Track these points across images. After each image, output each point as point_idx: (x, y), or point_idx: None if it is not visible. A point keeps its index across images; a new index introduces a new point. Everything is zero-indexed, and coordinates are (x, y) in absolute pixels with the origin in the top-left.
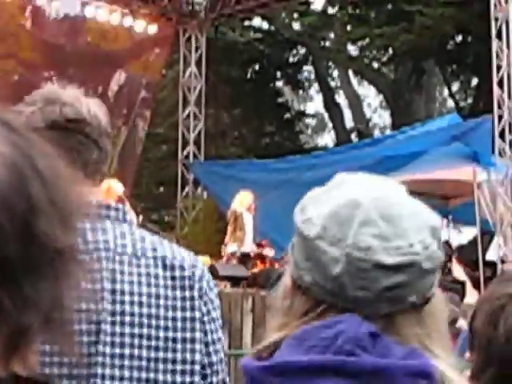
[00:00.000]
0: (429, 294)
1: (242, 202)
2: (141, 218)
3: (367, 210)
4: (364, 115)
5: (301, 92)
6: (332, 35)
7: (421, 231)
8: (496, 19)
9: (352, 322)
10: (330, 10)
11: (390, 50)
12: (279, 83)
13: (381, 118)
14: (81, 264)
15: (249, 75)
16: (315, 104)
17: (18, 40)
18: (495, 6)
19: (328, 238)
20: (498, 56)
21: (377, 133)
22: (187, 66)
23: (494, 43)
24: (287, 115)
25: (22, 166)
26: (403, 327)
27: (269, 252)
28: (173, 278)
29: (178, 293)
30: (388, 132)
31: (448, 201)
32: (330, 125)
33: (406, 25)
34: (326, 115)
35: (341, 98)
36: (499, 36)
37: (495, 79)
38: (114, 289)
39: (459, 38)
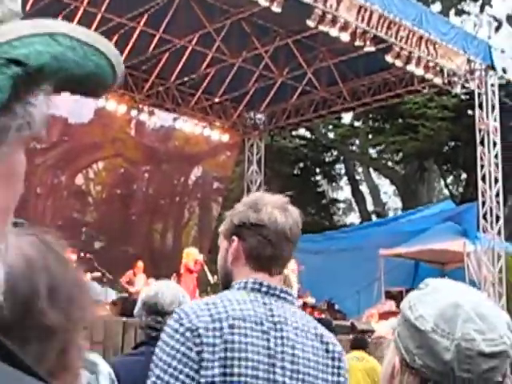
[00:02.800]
0: (506, 373)
1: (289, 266)
2: (215, 277)
3: (467, 309)
4: (381, 200)
5: (334, 184)
6: (357, 142)
7: (503, 326)
8: (480, 130)
9: None
10: (356, 123)
11: (401, 153)
12: (318, 177)
13: (394, 202)
14: (71, 340)
15: (295, 171)
16: (345, 192)
17: (124, 143)
18: (479, 120)
19: (439, 332)
20: (481, 158)
21: (391, 213)
22: (250, 164)
23: (479, 148)
24: (324, 201)
25: (36, 263)
26: None
27: (310, 300)
28: (327, 351)
29: (330, 362)
30: (399, 213)
31: (445, 265)
32: (356, 208)
33: (413, 134)
34: (352, 201)
35: (364, 188)
36: (482, 143)
37: (479, 175)
38: (293, 353)
39: (452, 144)
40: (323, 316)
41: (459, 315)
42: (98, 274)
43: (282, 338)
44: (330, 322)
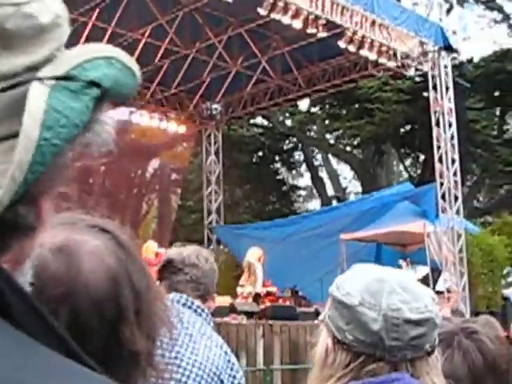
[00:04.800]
0: (435, 344)
1: (254, 254)
2: None
3: (391, 283)
4: (341, 185)
5: (293, 171)
6: (315, 128)
7: (427, 297)
8: (435, 112)
9: (407, 380)
10: (313, 109)
11: (358, 138)
12: (277, 165)
13: (354, 186)
14: (154, 367)
15: (254, 160)
16: (305, 179)
17: None
18: (434, 101)
19: (366, 305)
20: (437, 139)
21: (351, 198)
22: (208, 155)
23: (435, 129)
24: (284, 188)
25: (120, 279)
26: (421, 369)
27: (272, 288)
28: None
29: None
30: (360, 196)
31: (406, 247)
32: (317, 194)
33: (369, 118)
34: (313, 187)
35: (323, 174)
36: (438, 124)
37: (436, 156)
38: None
39: (409, 127)
40: (287, 303)
41: (384, 288)
42: None
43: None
44: (294, 309)
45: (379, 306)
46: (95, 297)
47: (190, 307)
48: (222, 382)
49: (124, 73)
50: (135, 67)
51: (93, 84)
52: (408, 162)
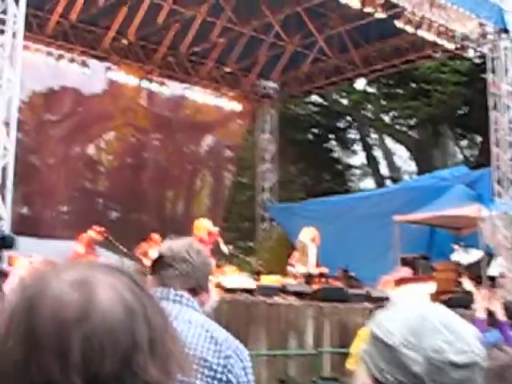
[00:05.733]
0: None
1: (308, 234)
2: (231, 246)
3: (433, 321)
4: (396, 165)
5: (348, 150)
6: (371, 107)
7: (471, 336)
8: (493, 95)
9: None
10: (369, 89)
11: (414, 119)
12: (332, 143)
13: (409, 166)
14: None
15: (309, 138)
16: (359, 158)
17: (135, 113)
18: (491, 84)
19: (408, 345)
20: (495, 122)
21: (406, 178)
22: (263, 133)
23: (492, 113)
24: (338, 167)
25: (136, 311)
26: None
27: (325, 270)
28: (211, 337)
29: (213, 346)
30: (414, 177)
31: (460, 231)
32: (371, 173)
33: (426, 99)
34: (367, 166)
35: (378, 153)
36: (495, 107)
37: (493, 140)
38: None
39: (466, 109)
40: (339, 284)
41: (426, 327)
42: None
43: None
44: (346, 291)
45: (421, 347)
46: (111, 324)
47: (174, 300)
48: (206, 360)
49: None
50: None
51: None
52: (464, 143)
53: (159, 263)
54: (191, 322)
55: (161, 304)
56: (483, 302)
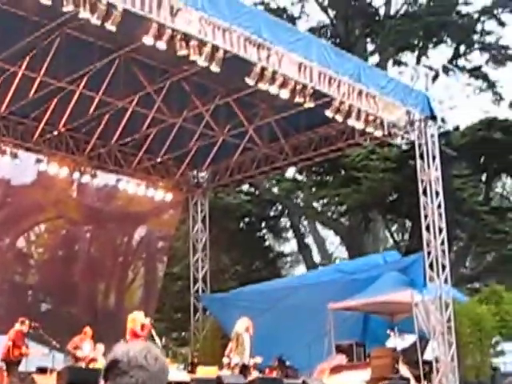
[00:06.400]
0: None
1: (242, 325)
2: (164, 338)
3: None
4: (327, 252)
5: (280, 238)
6: (301, 195)
7: None
8: (422, 181)
9: None
10: (299, 177)
11: (345, 205)
12: (264, 232)
13: (340, 253)
14: None
15: (241, 227)
16: (291, 245)
17: (66, 205)
18: (421, 170)
19: None
20: (424, 208)
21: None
22: (195, 222)
23: (422, 198)
24: (270, 255)
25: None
26: None
27: (258, 360)
28: None
29: None
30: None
31: (393, 316)
32: (303, 260)
33: (356, 186)
34: (299, 253)
35: (310, 240)
36: (425, 193)
37: (424, 225)
38: None
39: (395, 195)
40: (274, 375)
41: None
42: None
43: None
44: (281, 381)
45: None
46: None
47: None
48: None
49: None
50: None
51: None
52: (394, 228)
53: (113, 370)
54: None
55: None
56: None
